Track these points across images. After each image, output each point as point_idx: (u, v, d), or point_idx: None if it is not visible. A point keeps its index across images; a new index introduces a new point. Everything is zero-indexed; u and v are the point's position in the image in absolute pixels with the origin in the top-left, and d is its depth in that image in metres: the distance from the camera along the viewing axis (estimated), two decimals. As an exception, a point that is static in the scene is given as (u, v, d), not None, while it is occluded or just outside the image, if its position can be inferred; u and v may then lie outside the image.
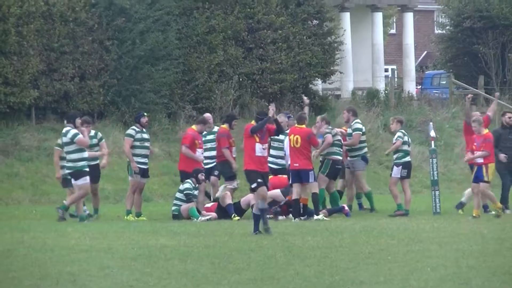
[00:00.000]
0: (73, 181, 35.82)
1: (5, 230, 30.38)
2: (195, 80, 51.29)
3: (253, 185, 31.27)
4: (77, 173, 35.55)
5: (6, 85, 46.46)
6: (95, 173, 37.21)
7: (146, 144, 37.04)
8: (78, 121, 36.48)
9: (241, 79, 52.02)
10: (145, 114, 38.91)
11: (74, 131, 35.70)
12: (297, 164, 36.60)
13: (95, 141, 37.94)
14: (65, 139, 35.64)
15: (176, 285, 19.37)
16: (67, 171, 36.37)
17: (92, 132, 38.38)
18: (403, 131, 39.39)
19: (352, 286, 18.95)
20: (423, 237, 29.37)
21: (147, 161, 37.37)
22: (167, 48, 50.44)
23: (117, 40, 49.77)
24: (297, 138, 36.36)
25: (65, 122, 37.06)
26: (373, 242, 27.31)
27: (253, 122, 36.46)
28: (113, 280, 20.47)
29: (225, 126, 39.78)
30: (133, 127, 37.60)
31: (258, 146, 31.24)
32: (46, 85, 48.24)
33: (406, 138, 39.41)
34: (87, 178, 35.51)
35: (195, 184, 37.17)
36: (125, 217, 35.14)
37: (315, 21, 55.74)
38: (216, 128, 40.03)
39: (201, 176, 37.26)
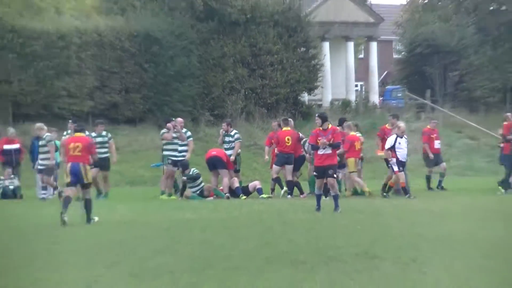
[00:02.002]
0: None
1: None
2: (212, 93, 51.23)
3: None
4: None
5: (70, 97, 46.63)
6: (104, 163, 36.43)
7: (175, 141, 36.70)
8: (70, 125, 35.69)
9: (246, 93, 51.91)
10: (173, 119, 38.80)
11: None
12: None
13: (106, 139, 37.33)
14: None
15: (198, 251, 19.60)
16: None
17: (104, 132, 37.80)
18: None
19: (331, 249, 19.13)
20: (385, 212, 29.38)
21: (176, 154, 36.55)
22: (190, 69, 50.47)
23: (153, 63, 49.71)
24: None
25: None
26: (347, 217, 27.25)
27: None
28: (148, 246, 20.72)
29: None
30: (164, 129, 37.18)
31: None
32: (100, 97, 48.21)
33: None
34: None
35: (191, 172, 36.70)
36: (160, 197, 34.97)
37: (302, 48, 55.61)
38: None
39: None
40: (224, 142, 37.74)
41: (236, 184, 36.61)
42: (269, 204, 33.09)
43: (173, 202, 34.52)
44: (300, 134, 38.36)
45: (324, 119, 31.41)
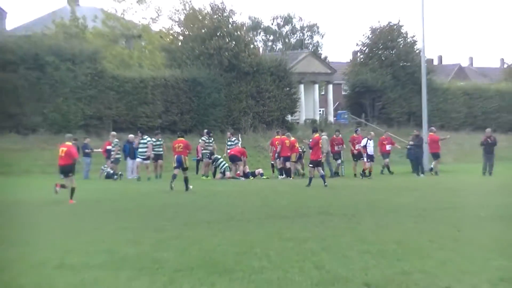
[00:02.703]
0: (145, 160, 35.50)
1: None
2: (233, 115, 50.44)
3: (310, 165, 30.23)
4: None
5: (147, 117, 46.16)
6: (160, 156, 35.95)
7: (210, 145, 36.86)
8: (139, 134, 36.47)
9: (253, 115, 51.55)
10: (211, 132, 38.96)
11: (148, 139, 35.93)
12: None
13: (161, 143, 36.66)
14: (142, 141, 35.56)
15: (224, 209, 19.43)
16: (141, 157, 35.52)
17: (160, 139, 37.06)
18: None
19: (304, 209, 19.15)
20: (346, 186, 28.79)
21: (208, 153, 36.05)
22: (220, 101, 49.70)
23: (197, 97, 48.65)
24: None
25: (141, 134, 36.51)
26: (319, 189, 26.54)
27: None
28: (194, 206, 20.60)
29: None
30: (203, 137, 37.11)
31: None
32: (165, 118, 47.69)
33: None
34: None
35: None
36: (201, 178, 34.71)
37: (287, 88, 54.96)
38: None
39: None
40: (227, 144, 37.66)
41: (247, 170, 36.70)
42: (267, 182, 33.04)
43: (209, 181, 34.31)
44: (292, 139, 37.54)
45: (313, 130, 32.24)
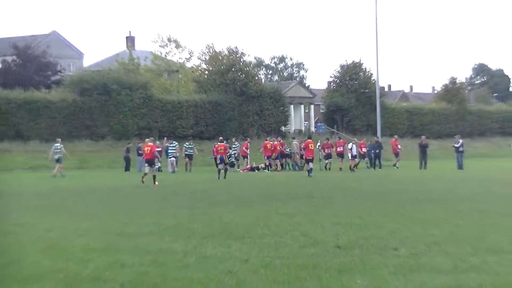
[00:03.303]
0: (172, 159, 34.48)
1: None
2: (243, 127, 50.63)
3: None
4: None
5: (182, 128, 46.46)
6: (191, 157, 35.21)
7: (236, 147, 36.90)
8: (167, 140, 36.07)
9: (257, 127, 51.56)
10: (228, 139, 38.79)
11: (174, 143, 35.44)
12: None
13: (192, 146, 35.96)
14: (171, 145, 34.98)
15: (236, 193, 19.21)
16: (172, 157, 34.52)
17: (192, 143, 36.26)
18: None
19: (295, 193, 18.95)
20: (330, 177, 27.90)
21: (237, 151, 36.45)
22: (234, 117, 49.96)
23: (217, 114, 49.03)
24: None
25: (170, 139, 36.51)
26: (307, 179, 26.41)
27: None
28: (215, 191, 20.16)
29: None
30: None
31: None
32: (195, 128, 47.78)
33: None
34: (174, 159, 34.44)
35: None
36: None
37: (281, 107, 55.01)
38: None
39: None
40: (232, 148, 36.48)
41: (254, 165, 36.38)
42: (267, 174, 32.62)
43: (234, 173, 33.84)
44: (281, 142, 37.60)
45: (308, 137, 32.34)
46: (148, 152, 24.69)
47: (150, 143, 25.20)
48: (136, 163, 35.17)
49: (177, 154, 35.39)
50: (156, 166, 34.77)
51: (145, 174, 24.49)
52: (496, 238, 9.48)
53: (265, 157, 35.93)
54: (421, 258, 7.93)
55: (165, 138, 37.52)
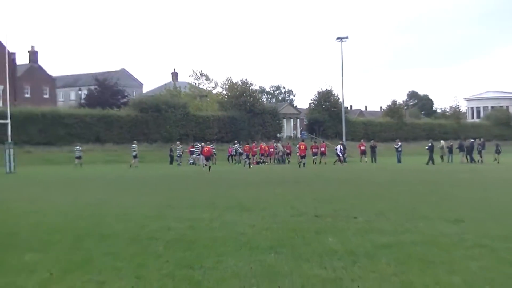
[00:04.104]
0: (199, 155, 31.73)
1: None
2: (251, 134, 49.09)
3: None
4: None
5: (209, 134, 45.09)
6: (212, 155, 31.98)
7: (239, 147, 35.54)
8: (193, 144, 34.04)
9: (261, 134, 50.98)
10: (238, 142, 38.20)
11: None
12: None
13: (214, 146, 33.54)
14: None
15: (246, 179, 18.51)
16: (196, 155, 32.71)
17: (212, 145, 33.54)
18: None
19: (287, 179, 18.51)
20: (317, 168, 27.37)
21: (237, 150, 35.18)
22: (246, 127, 48.80)
23: (234, 125, 47.74)
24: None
25: (195, 142, 35.07)
26: (297, 169, 25.72)
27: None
28: (230, 178, 19.57)
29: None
30: (236, 145, 35.84)
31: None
32: (218, 135, 46.76)
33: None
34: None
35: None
36: (234, 164, 34.14)
37: (277, 121, 54.32)
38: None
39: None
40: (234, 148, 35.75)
41: (258, 161, 35.35)
42: (267, 167, 31.82)
43: (237, 165, 32.56)
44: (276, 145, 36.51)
45: (301, 140, 32.52)
46: (207, 151, 26.41)
47: (207, 146, 27.20)
48: (176, 158, 34.68)
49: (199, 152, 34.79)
50: (191, 161, 35.00)
51: (205, 165, 25.38)
52: (424, 210, 9.38)
53: (260, 154, 35.19)
54: (372, 223, 7.85)
55: (194, 142, 37.09)
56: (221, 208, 9.89)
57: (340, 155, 32.82)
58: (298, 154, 31.46)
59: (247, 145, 34.57)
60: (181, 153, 34.26)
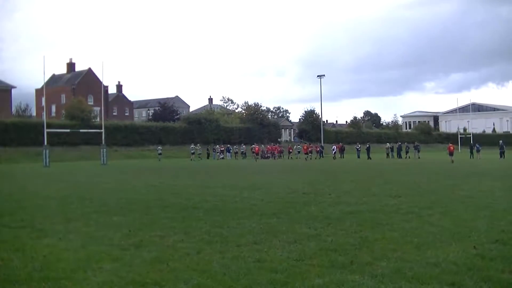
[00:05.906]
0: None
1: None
2: (260, 139, 48.97)
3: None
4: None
5: (233, 139, 42.79)
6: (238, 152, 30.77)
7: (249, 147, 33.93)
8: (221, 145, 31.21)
9: (267, 139, 49.30)
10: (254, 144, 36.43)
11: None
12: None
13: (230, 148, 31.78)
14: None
15: (254, 170, 16.74)
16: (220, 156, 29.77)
17: (235, 146, 32.82)
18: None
19: (283, 169, 17.99)
20: (307, 163, 25.01)
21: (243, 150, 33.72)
22: (256, 134, 45.89)
23: (249, 133, 45.72)
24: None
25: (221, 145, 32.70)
26: (293, 163, 24.12)
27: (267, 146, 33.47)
28: (248, 170, 18.31)
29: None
30: (253, 145, 34.10)
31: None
32: (238, 139, 44.72)
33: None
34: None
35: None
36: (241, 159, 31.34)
37: (278, 130, 52.58)
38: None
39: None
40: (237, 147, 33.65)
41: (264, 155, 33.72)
42: (270, 162, 29.59)
43: (247, 161, 30.53)
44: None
45: (297, 142, 28.83)
46: (256, 149, 25.43)
47: (256, 146, 25.82)
48: (212, 154, 33.76)
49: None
50: (221, 156, 33.91)
51: (256, 159, 24.05)
52: (374, 189, 9.10)
53: (267, 151, 33.18)
54: (341, 198, 7.70)
55: (221, 144, 36.12)
56: (241, 187, 9.79)
57: (334, 153, 30.96)
58: (302, 151, 30.25)
59: (263, 146, 32.36)
60: (219, 151, 32.59)
